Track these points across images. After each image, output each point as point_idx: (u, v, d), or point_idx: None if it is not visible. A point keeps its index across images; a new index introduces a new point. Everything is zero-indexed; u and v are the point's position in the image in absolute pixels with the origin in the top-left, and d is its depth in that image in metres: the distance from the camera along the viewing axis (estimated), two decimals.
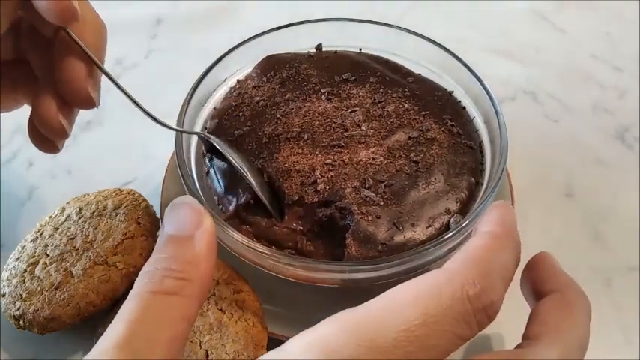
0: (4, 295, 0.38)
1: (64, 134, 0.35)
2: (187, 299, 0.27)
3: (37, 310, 0.36)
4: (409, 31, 0.47)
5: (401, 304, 0.26)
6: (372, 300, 0.27)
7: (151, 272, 0.28)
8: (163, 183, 0.44)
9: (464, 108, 0.44)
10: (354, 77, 0.45)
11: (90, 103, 0.34)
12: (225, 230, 0.35)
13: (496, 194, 0.37)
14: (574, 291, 0.31)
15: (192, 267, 0.28)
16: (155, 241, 0.39)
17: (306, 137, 0.41)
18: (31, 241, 0.40)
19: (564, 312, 0.30)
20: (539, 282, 0.32)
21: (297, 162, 0.39)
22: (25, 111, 0.38)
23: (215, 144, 0.40)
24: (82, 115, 0.54)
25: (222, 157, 0.41)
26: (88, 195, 0.43)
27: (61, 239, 0.39)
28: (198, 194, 0.37)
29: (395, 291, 0.27)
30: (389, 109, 0.43)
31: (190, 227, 0.29)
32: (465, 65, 0.44)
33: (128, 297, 0.27)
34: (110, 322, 0.36)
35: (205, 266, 0.28)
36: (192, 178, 0.40)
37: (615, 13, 0.67)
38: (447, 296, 0.25)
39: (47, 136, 0.35)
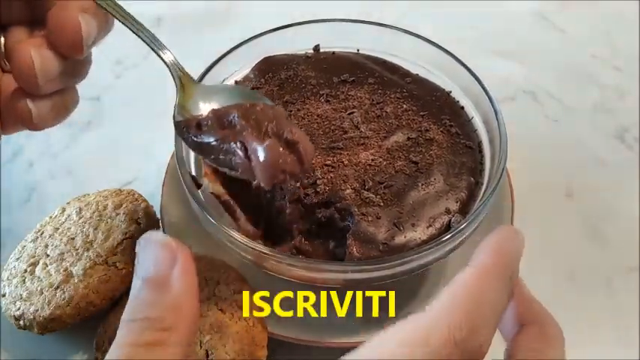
0: (4, 295, 0.38)
1: (32, 76, 0.31)
2: (172, 347, 0.24)
3: (37, 310, 0.36)
4: (406, 32, 0.46)
5: (387, 352, 0.24)
6: (359, 348, 0.25)
7: (130, 324, 0.25)
8: (163, 183, 0.44)
9: (462, 108, 0.44)
10: (352, 78, 0.45)
11: (77, 41, 0.31)
12: (226, 230, 0.35)
13: (496, 194, 0.37)
14: (550, 322, 0.30)
15: (174, 313, 0.25)
16: None
17: None
18: (31, 241, 0.40)
19: (544, 344, 0.29)
20: (514, 312, 0.30)
21: None
22: None
23: None
24: (82, 115, 0.55)
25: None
26: (88, 195, 0.43)
27: (61, 239, 0.39)
28: (197, 195, 0.37)
29: (381, 337, 0.25)
30: (387, 110, 0.43)
31: (164, 267, 0.26)
32: (463, 65, 0.44)
33: (111, 347, 0.24)
34: (110, 323, 0.37)
35: (188, 308, 0.26)
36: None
37: (615, 13, 0.67)
38: (432, 341, 0.24)
39: (17, 80, 0.32)
